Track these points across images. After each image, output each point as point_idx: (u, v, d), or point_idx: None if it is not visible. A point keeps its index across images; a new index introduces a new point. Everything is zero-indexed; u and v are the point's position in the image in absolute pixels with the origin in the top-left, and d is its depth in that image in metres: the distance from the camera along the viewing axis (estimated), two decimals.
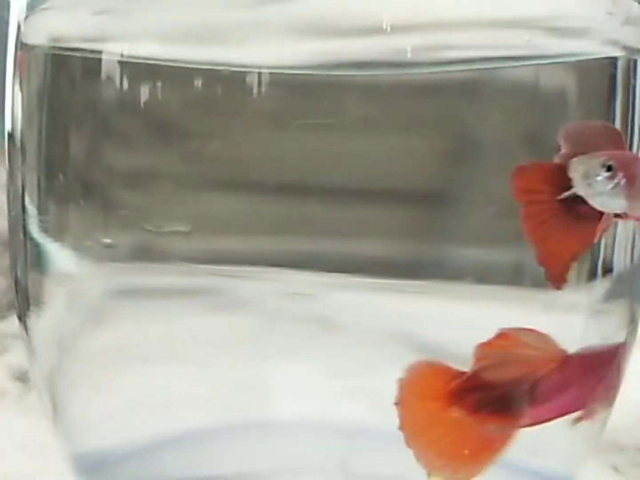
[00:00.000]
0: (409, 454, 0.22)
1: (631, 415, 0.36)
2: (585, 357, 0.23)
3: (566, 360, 0.23)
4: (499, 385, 0.22)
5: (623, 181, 0.22)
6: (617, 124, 0.25)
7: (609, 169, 0.22)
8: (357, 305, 0.24)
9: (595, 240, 0.23)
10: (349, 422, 0.25)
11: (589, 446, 0.27)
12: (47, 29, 0.25)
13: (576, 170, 0.22)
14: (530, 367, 0.22)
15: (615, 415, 0.27)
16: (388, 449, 0.24)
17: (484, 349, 0.22)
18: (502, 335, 0.22)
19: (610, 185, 0.22)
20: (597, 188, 0.22)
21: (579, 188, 0.22)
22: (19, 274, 0.27)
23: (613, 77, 0.25)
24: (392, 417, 0.21)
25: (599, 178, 0.22)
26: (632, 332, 0.27)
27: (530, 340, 0.22)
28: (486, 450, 0.22)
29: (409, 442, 0.22)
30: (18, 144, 0.26)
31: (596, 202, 0.22)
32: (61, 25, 0.25)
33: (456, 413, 0.22)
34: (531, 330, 0.22)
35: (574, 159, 0.22)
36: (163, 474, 0.26)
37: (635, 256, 0.26)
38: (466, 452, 0.22)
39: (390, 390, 0.22)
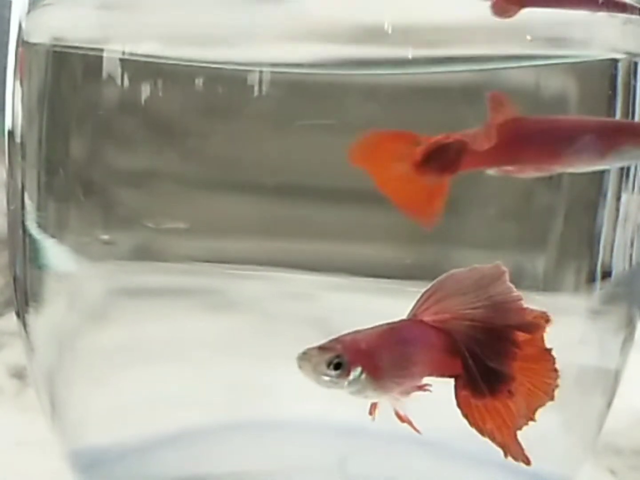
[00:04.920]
0: (406, 455, 0.22)
1: (628, 418, 0.36)
2: (516, 121, 0.21)
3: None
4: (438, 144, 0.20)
5: (364, 375, 0.18)
6: None
7: (338, 366, 0.18)
8: (356, 306, 0.24)
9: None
10: (347, 423, 0.25)
11: (585, 448, 0.27)
12: (49, 27, 0.25)
13: (302, 367, 0.18)
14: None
15: (612, 418, 0.27)
16: (386, 450, 0.24)
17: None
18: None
19: (345, 383, 0.18)
20: (331, 385, 0.18)
21: (313, 381, 0.18)
22: (18, 271, 0.27)
23: (614, 78, 0.25)
24: (391, 419, 0.21)
25: (327, 379, 0.18)
26: (629, 335, 0.27)
27: None
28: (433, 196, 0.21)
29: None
30: (18, 141, 0.26)
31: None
32: (63, 23, 0.25)
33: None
34: None
35: (302, 350, 0.18)
36: (161, 472, 0.26)
37: (634, 260, 0.26)
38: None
39: None
